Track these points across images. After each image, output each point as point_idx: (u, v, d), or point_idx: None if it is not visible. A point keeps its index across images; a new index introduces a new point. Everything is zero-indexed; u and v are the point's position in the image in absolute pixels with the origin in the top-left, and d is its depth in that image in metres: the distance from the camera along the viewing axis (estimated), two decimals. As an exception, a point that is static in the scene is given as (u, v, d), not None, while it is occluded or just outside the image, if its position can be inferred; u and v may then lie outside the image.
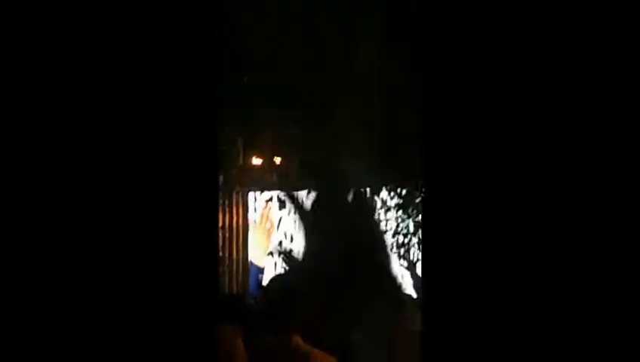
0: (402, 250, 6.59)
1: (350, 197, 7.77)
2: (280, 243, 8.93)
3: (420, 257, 6.74)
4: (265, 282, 3.07)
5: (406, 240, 6.88)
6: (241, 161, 9.11)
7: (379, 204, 7.57)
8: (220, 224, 9.60)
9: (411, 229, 7.04)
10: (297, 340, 2.66)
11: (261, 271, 7.20)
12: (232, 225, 9.23)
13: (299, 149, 8.92)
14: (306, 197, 8.85)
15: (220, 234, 9.46)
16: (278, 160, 9.08)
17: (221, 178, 9.45)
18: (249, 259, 8.53)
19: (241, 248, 9.20)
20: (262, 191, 9.44)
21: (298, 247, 8.54)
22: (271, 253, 8.62)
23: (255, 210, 9.44)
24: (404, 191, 7.14)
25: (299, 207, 8.45)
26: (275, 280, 3.12)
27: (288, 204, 9.00)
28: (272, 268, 8.07)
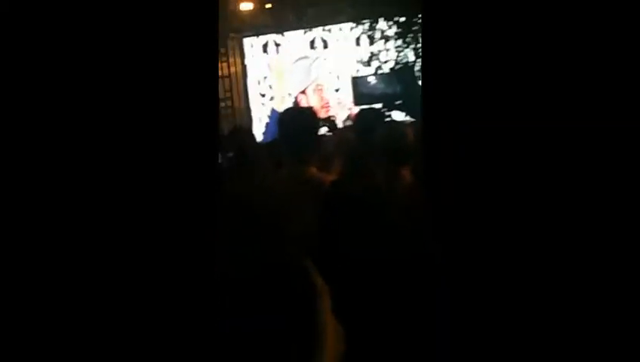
0: (402, 79, 6.69)
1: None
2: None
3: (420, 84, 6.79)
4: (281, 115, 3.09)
5: (406, 69, 6.92)
6: (234, 6, 8.91)
7: (378, 35, 7.50)
8: (219, 73, 9.58)
9: (410, 58, 7.05)
10: (313, 171, 2.76)
11: (282, 115, 7.34)
12: (231, 72, 9.22)
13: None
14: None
15: (220, 83, 9.48)
16: (269, 4, 8.88)
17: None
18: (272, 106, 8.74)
19: (241, 94, 9.24)
20: (257, 36, 9.33)
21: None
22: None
23: (252, 55, 9.40)
24: (402, 20, 7.05)
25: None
26: (290, 111, 3.16)
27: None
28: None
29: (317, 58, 8.56)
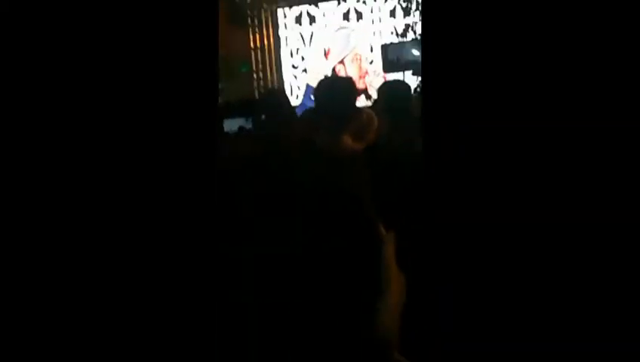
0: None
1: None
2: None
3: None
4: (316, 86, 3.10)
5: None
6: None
7: (413, 6, 7.42)
8: (252, 45, 9.60)
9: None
10: (347, 140, 2.76)
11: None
12: (264, 43, 9.21)
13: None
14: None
15: (253, 54, 9.50)
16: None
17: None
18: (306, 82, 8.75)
19: (274, 66, 9.24)
20: (290, 7, 9.28)
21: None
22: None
23: (285, 26, 9.36)
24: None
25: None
26: (328, 79, 3.15)
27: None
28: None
29: (354, 29, 8.51)
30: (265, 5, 9.17)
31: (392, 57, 6.99)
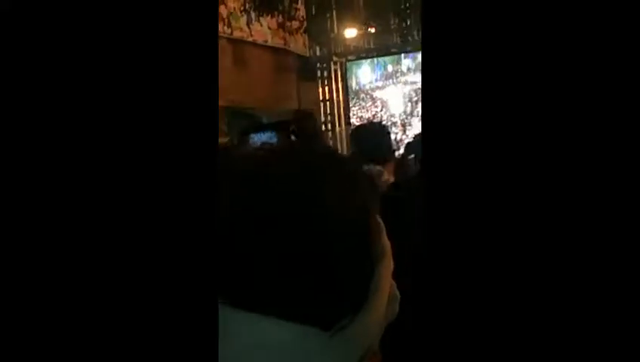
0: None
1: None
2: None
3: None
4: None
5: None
6: (335, 31, 9.10)
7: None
8: (321, 97, 9.78)
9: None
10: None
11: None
12: (333, 97, 9.36)
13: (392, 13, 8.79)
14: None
15: (322, 107, 9.67)
16: (372, 28, 9.00)
17: (317, 50, 9.54)
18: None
19: (343, 118, 9.35)
20: (361, 60, 9.44)
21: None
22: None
23: (356, 79, 9.50)
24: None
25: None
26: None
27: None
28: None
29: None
30: (335, 58, 9.35)
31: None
